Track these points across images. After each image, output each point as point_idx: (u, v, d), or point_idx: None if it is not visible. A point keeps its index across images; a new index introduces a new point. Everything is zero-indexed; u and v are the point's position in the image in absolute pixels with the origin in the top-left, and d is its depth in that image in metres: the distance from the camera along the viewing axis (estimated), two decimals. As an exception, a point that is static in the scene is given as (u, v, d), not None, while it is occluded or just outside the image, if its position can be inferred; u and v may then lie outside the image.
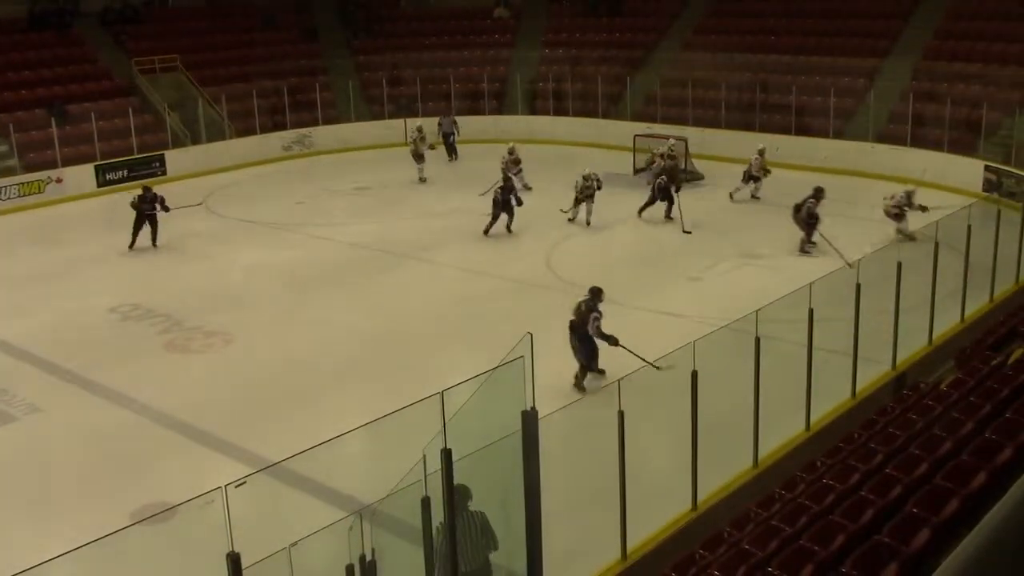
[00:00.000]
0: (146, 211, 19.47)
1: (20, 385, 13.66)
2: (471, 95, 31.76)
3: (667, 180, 21.03)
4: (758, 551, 6.95)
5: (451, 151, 28.09)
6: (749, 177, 22.41)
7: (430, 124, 28.27)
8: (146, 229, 19.66)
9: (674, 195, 20.72)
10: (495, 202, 20.04)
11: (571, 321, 12.91)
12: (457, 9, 35.00)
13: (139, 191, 20.06)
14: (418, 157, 25.36)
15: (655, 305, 15.58)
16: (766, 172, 22.37)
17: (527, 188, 22.84)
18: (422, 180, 25.37)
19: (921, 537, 6.11)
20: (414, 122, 26.82)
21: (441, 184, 25.20)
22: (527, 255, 18.91)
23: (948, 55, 26.34)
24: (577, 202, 20.80)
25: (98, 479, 11.15)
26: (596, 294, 13.02)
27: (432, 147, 26.34)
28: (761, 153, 22.37)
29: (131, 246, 19.70)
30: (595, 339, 12.74)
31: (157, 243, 19.79)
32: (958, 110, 24.10)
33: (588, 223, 20.72)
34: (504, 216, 20.05)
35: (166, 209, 19.60)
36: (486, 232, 20.04)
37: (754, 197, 22.33)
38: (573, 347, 12.85)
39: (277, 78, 30.34)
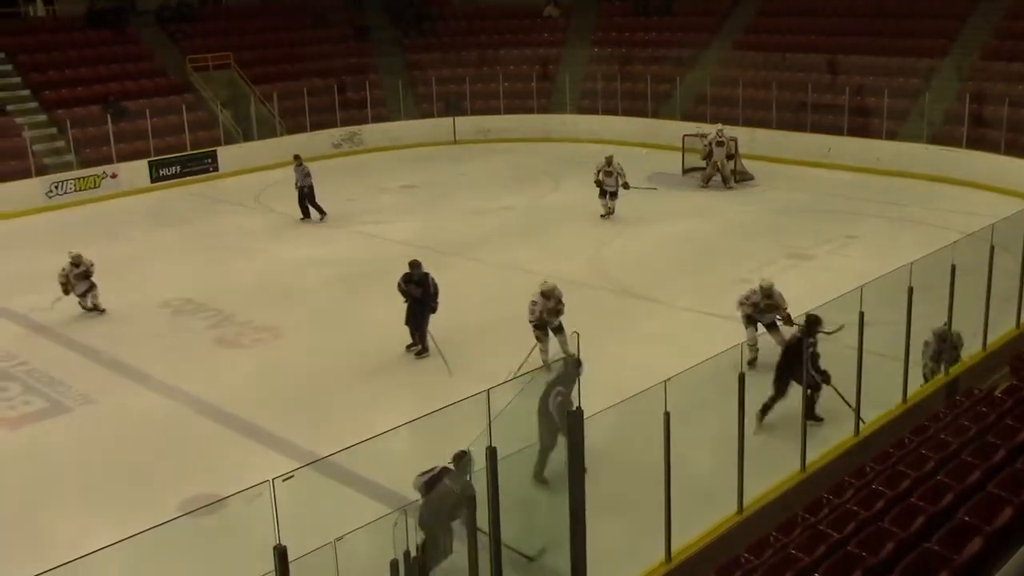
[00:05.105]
0: None
1: (74, 376, 13.93)
2: (520, 94, 31.76)
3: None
4: (804, 556, 6.87)
5: (306, 209, 22.09)
6: None
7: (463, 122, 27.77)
8: None
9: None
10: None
11: (786, 345, 11.73)
12: (507, 8, 35.00)
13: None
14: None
15: (702, 306, 15.47)
16: None
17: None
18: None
19: (973, 546, 6.00)
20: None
21: (489, 182, 25.24)
22: (574, 254, 18.85)
23: (1007, 55, 25.79)
24: (602, 193, 21.04)
25: (148, 470, 11.33)
26: (813, 324, 10.98)
27: None
28: None
29: None
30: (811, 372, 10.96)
31: None
32: (1016, 111, 23.64)
33: (611, 211, 21.14)
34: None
35: None
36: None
37: None
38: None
39: (327, 76, 30.63)
